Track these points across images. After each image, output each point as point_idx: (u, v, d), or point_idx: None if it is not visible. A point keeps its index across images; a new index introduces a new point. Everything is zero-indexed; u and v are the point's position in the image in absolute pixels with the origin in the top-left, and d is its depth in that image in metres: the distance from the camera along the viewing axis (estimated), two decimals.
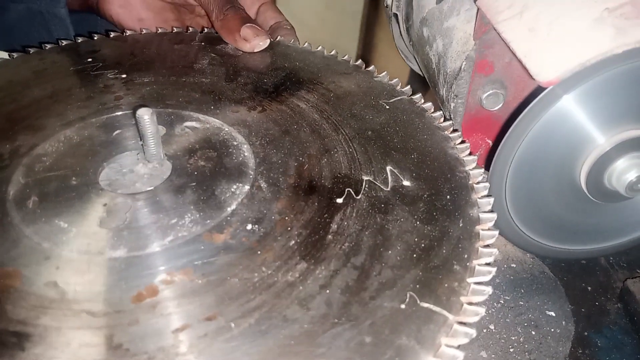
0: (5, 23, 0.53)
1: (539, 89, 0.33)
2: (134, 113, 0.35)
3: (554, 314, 0.38)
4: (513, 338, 0.36)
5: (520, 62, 0.34)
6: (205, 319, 0.25)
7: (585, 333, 0.37)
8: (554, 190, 0.37)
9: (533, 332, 0.37)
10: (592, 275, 0.42)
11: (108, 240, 0.29)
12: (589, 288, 0.41)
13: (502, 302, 0.39)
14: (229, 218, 0.31)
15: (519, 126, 0.34)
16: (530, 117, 0.33)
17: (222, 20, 0.46)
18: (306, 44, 0.49)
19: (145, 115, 0.33)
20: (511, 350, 0.36)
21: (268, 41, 0.46)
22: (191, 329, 0.25)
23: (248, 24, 0.45)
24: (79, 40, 0.48)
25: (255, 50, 0.46)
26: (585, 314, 0.39)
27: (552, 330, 0.37)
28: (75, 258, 0.28)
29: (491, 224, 0.31)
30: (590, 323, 0.38)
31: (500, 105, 0.42)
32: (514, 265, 0.42)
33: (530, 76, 0.33)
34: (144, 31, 0.50)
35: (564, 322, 0.38)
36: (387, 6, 0.56)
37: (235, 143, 0.36)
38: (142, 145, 0.34)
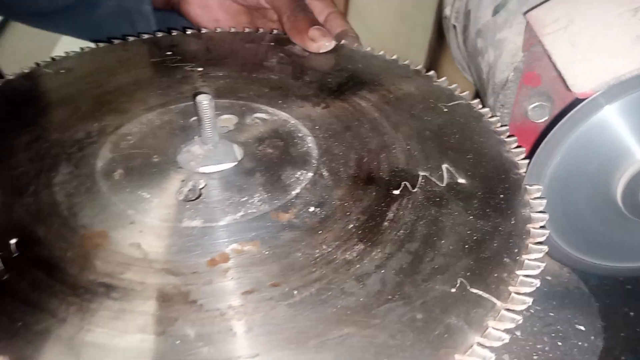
0: (95, 18, 0.58)
1: (578, 102, 0.34)
2: (194, 99, 0.38)
3: (583, 328, 0.38)
4: (538, 346, 0.37)
5: (559, 73, 0.35)
6: (271, 285, 0.28)
7: (623, 358, 0.37)
8: (589, 203, 0.37)
9: (559, 343, 0.37)
10: (637, 301, 0.42)
11: (185, 212, 0.32)
12: (632, 313, 0.41)
13: (532, 311, 0.39)
14: (293, 200, 0.33)
15: (557, 134, 0.34)
16: (570, 126, 0.34)
17: (292, 21, 0.49)
18: (368, 48, 0.51)
19: (205, 100, 0.36)
20: (535, 357, 0.36)
21: (334, 43, 0.49)
22: (258, 292, 0.27)
23: (316, 26, 0.48)
24: (159, 35, 0.52)
25: (321, 51, 0.48)
26: (624, 338, 0.38)
27: (580, 343, 0.37)
28: (157, 225, 0.31)
29: (542, 223, 0.32)
30: (628, 348, 0.38)
31: (546, 118, 0.43)
32: (549, 278, 0.42)
33: (567, 87, 0.34)
34: (218, 30, 0.54)
35: (592, 337, 0.38)
36: (445, 17, 0.58)
37: (300, 135, 0.39)
38: (200, 129, 0.37)
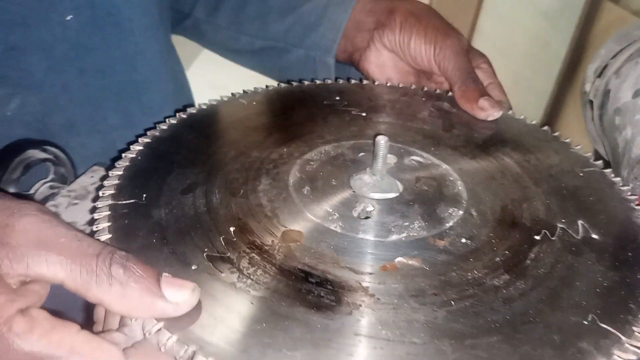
0: (284, 62, 0.69)
1: None
2: (374, 139, 0.46)
3: None
4: None
5: None
6: (432, 294, 0.35)
7: None
8: None
9: None
10: None
11: (360, 226, 0.40)
12: None
13: None
14: (447, 231, 0.40)
15: None
16: None
17: (463, 90, 0.56)
18: (510, 111, 0.58)
19: (382, 140, 0.44)
20: None
21: (500, 113, 0.55)
22: (422, 297, 0.34)
23: (485, 97, 0.55)
24: (328, 82, 0.62)
25: (489, 119, 0.55)
26: None
27: None
28: (340, 232, 0.39)
29: None
30: None
31: None
32: None
33: None
34: (376, 83, 0.63)
35: None
36: (585, 93, 0.64)
37: (451, 178, 0.46)
38: (373, 162, 0.45)
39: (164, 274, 0.32)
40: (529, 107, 1.81)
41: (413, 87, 0.62)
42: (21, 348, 0.27)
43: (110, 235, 0.37)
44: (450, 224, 0.41)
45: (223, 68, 0.92)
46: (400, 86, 0.62)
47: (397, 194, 0.44)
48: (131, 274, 0.30)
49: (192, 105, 0.70)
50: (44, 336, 0.28)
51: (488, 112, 0.55)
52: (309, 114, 0.55)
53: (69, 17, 0.49)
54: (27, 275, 0.30)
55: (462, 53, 0.58)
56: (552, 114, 1.71)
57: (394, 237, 0.39)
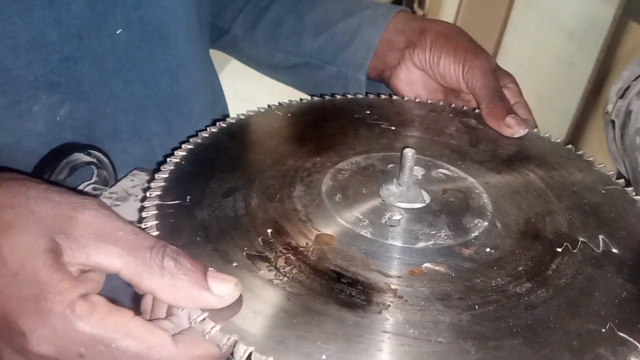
0: (317, 78, 0.72)
1: None
2: (401, 151, 0.48)
3: None
4: None
5: None
6: (457, 298, 0.37)
7: None
8: None
9: None
10: None
11: (389, 233, 0.42)
12: None
13: None
14: (473, 240, 0.42)
15: None
16: None
17: (490, 108, 0.58)
18: (535, 130, 0.60)
19: (409, 153, 0.46)
20: None
21: (527, 130, 0.57)
22: (448, 301, 0.37)
23: (512, 115, 0.57)
24: (359, 96, 0.65)
25: (515, 136, 0.57)
26: None
27: None
28: (370, 238, 0.42)
29: None
30: None
31: None
32: None
33: None
34: (405, 98, 0.65)
35: None
36: (607, 113, 0.66)
37: (476, 191, 0.48)
38: (400, 173, 0.47)
39: (210, 268, 0.35)
40: (553, 126, 1.82)
41: (441, 103, 0.65)
42: (82, 329, 0.30)
43: (157, 233, 0.40)
44: (476, 234, 0.43)
45: (250, 80, 0.96)
46: (428, 102, 0.65)
47: (424, 204, 0.46)
48: (181, 267, 0.33)
49: (227, 115, 0.74)
50: (102, 320, 0.30)
51: (514, 129, 0.57)
52: (340, 126, 0.58)
53: (119, 31, 0.53)
54: (87, 264, 0.33)
55: (490, 72, 0.60)
56: (576, 133, 1.72)
57: (421, 244, 0.42)
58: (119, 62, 0.54)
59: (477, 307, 0.36)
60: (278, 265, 0.38)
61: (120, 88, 0.55)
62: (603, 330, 0.35)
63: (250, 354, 0.32)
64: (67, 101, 0.52)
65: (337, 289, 0.37)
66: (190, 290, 0.33)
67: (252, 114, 0.59)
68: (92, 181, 0.58)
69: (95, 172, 0.56)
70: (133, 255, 0.33)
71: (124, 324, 0.31)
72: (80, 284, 0.31)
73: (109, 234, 0.33)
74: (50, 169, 0.53)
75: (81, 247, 0.32)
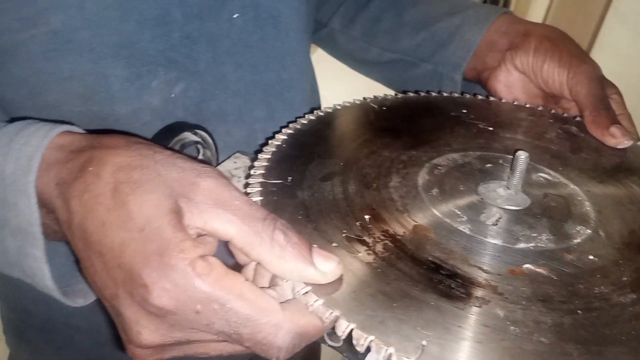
0: (410, 75, 0.72)
1: None
2: (514, 153, 0.47)
3: None
4: None
5: None
6: (559, 301, 0.36)
7: None
8: None
9: None
10: None
11: (489, 232, 0.42)
12: None
13: None
14: (575, 247, 0.41)
15: None
16: None
17: (594, 116, 0.56)
18: (639, 142, 0.57)
19: (523, 155, 0.45)
20: None
21: (631, 142, 0.55)
22: (549, 303, 0.36)
23: (617, 125, 0.55)
24: (455, 95, 0.64)
25: (619, 147, 0.55)
26: None
27: None
28: (468, 234, 0.41)
29: None
30: None
31: None
32: None
33: None
34: (503, 101, 0.64)
35: None
36: None
37: (579, 198, 0.47)
38: (510, 175, 0.47)
39: (314, 245, 0.36)
40: None
41: (540, 108, 0.63)
42: (201, 287, 0.32)
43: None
44: (578, 240, 0.42)
45: (324, 77, 0.95)
46: (527, 106, 0.64)
47: (525, 207, 0.45)
48: (289, 240, 0.34)
49: (319, 106, 0.75)
50: (219, 280, 0.32)
51: (618, 139, 0.55)
52: (436, 122, 0.58)
53: (235, 15, 0.55)
54: (204, 229, 0.35)
55: (596, 80, 0.58)
56: None
57: (521, 245, 0.41)
58: (232, 45, 0.57)
59: (579, 312, 0.35)
60: (376, 250, 0.39)
61: (231, 71, 0.58)
62: None
63: (351, 331, 0.33)
64: (182, 79, 0.55)
65: (436, 280, 0.37)
66: (297, 263, 0.34)
67: (347, 104, 0.60)
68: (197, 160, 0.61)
69: (201, 151, 0.59)
70: (247, 224, 0.34)
71: (239, 286, 0.32)
72: (200, 245, 0.33)
73: (227, 202, 0.35)
74: (164, 144, 0.56)
75: (201, 212, 0.34)
